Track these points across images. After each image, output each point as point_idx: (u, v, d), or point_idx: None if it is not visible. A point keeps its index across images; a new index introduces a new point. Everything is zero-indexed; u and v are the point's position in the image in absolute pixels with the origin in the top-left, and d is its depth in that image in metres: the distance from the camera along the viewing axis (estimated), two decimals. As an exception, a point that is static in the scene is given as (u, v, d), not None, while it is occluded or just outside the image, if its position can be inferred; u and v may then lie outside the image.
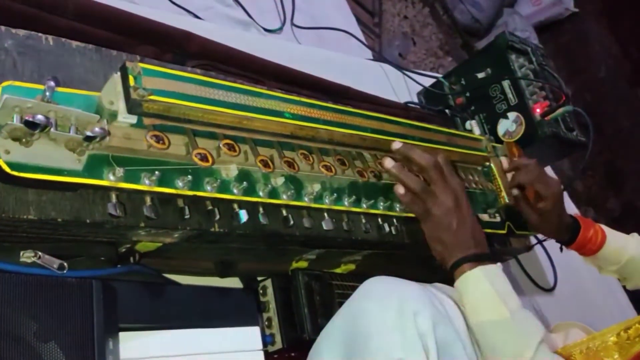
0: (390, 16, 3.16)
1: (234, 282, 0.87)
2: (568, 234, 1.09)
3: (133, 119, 0.58)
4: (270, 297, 0.86)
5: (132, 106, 0.57)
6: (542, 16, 3.86)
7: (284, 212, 0.74)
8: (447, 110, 1.26)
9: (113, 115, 0.58)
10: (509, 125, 1.29)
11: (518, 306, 0.75)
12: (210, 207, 0.67)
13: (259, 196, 0.70)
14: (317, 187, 0.76)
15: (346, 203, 0.80)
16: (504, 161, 1.11)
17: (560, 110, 1.25)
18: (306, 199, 0.75)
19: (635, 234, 1.13)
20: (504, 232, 1.07)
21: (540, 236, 1.25)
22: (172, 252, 0.73)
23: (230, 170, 0.68)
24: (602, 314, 1.55)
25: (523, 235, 1.17)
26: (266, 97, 0.70)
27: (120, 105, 0.58)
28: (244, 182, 0.67)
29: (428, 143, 0.91)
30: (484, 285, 0.75)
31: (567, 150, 1.36)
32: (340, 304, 0.90)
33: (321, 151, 0.77)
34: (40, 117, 0.50)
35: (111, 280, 0.59)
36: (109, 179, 0.58)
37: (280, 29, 1.50)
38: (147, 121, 0.59)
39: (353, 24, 1.84)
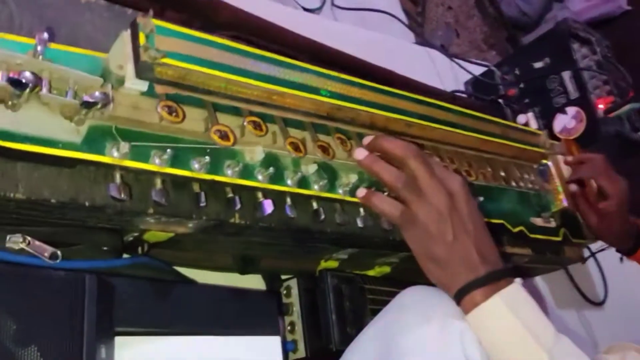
0: (434, 6, 3.03)
1: (255, 280, 0.78)
2: (630, 242, 0.97)
3: (143, 86, 0.49)
4: (294, 298, 0.77)
5: (142, 69, 0.48)
6: (594, 13, 3.66)
7: (315, 205, 0.65)
8: (500, 100, 1.14)
9: (120, 81, 0.50)
10: (567, 121, 1.17)
11: (553, 336, 0.56)
12: (230, 195, 0.57)
13: (287, 185, 0.61)
14: (353, 177, 0.66)
15: (386, 197, 0.70)
16: (562, 159, 1.00)
17: (627, 107, 1.12)
18: (340, 191, 0.66)
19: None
20: (559, 239, 0.96)
21: (594, 247, 1.14)
22: (186, 243, 0.65)
23: (255, 153, 0.58)
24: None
25: (578, 244, 1.05)
26: (301, 70, 0.60)
27: (129, 69, 0.49)
28: (271, 168, 0.58)
29: (480, 134, 0.80)
30: (508, 319, 0.54)
31: (629, 152, 1.23)
32: (373, 312, 0.80)
33: (360, 136, 0.67)
34: (27, 75, 0.41)
35: (109, 276, 0.50)
36: (113, 156, 0.49)
37: (320, 8, 1.40)
38: (159, 89, 0.50)
39: (397, 8, 1.73)
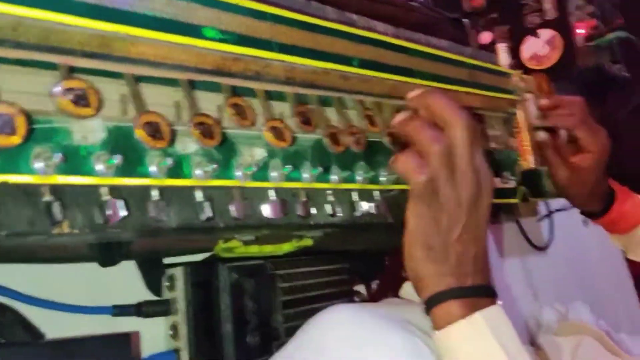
0: None
1: (125, 270, 0.57)
2: (600, 205, 0.82)
3: None
4: (179, 292, 0.58)
5: None
6: None
7: (199, 196, 0.44)
8: (465, 20, 0.92)
9: None
10: (539, 46, 0.97)
11: None
12: (47, 199, 0.36)
13: (147, 175, 0.39)
14: (259, 153, 0.45)
15: (306, 176, 0.50)
16: (533, 101, 0.81)
17: (612, 35, 0.93)
18: (239, 173, 0.45)
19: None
20: (516, 201, 0.80)
21: (553, 205, 0.99)
22: None
23: (90, 130, 0.36)
24: (597, 278, 1.34)
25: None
26: (171, -7, 0.36)
27: None
28: (116, 156, 0.36)
29: (443, 83, 0.59)
30: (490, 344, 0.44)
31: (606, 87, 1.06)
32: (285, 305, 0.63)
33: (275, 96, 0.45)
34: None
35: None
36: None
37: None
38: None
39: None
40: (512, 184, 0.78)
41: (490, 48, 1.03)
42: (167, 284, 0.58)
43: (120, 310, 0.54)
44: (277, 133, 0.43)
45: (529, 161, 0.75)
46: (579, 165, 0.76)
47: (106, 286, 0.57)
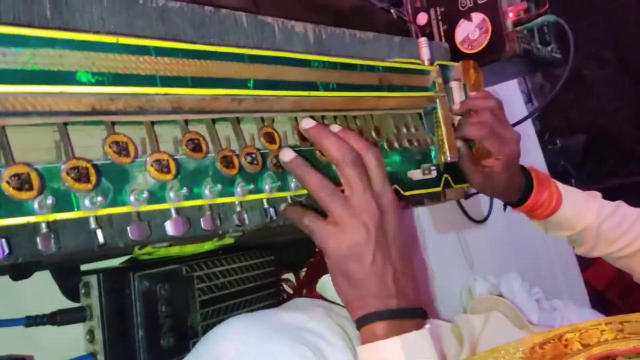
0: None
1: (38, 283, 0.59)
2: (516, 196, 0.86)
3: None
4: (94, 299, 0.60)
5: None
6: None
7: (92, 224, 0.45)
8: (392, 11, 0.91)
9: None
10: (470, 30, 0.98)
11: None
12: None
13: (31, 212, 0.40)
14: (149, 180, 0.47)
15: (208, 193, 0.51)
16: (456, 89, 0.83)
17: (539, 20, 0.94)
18: (131, 198, 0.46)
19: (597, 194, 0.91)
20: (439, 189, 0.83)
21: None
22: None
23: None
24: (537, 247, 1.39)
25: (462, 185, 0.92)
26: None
27: None
28: (-6, 204, 0.37)
29: (350, 91, 0.60)
30: None
31: (537, 68, 1.08)
32: (204, 304, 0.66)
33: (158, 125, 0.46)
34: None
35: None
36: None
37: None
38: None
39: None
40: (434, 174, 0.81)
41: (426, 29, 1.04)
42: (83, 291, 0.60)
43: (33, 321, 0.56)
44: (161, 166, 0.44)
45: (447, 155, 0.77)
46: (491, 169, 0.80)
47: (24, 296, 0.59)
